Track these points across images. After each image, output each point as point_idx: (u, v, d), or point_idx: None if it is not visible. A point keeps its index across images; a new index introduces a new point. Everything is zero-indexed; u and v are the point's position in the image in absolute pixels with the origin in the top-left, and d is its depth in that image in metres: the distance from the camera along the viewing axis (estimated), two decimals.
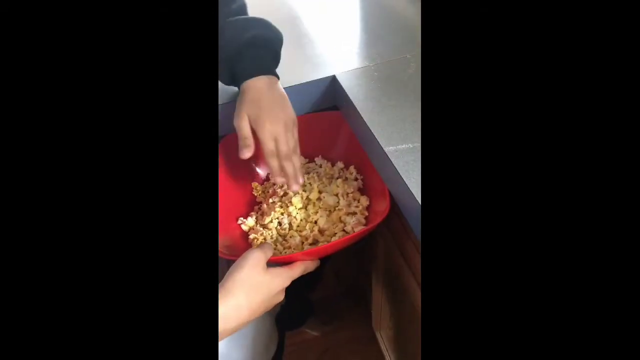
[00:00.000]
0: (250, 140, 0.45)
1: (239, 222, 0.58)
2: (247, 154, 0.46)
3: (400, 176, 0.42)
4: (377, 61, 0.58)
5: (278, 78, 0.49)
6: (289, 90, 0.54)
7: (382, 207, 0.50)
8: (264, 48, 0.47)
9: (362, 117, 0.49)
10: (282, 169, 0.47)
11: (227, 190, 0.56)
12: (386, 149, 0.45)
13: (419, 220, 0.41)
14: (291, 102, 0.49)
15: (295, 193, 0.58)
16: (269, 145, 0.45)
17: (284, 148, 0.46)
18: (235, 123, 0.46)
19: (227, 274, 0.42)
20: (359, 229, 0.52)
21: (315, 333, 1.01)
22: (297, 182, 0.48)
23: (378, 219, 0.47)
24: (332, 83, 0.57)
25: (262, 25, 0.47)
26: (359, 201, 0.56)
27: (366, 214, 0.55)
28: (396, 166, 0.43)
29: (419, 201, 0.39)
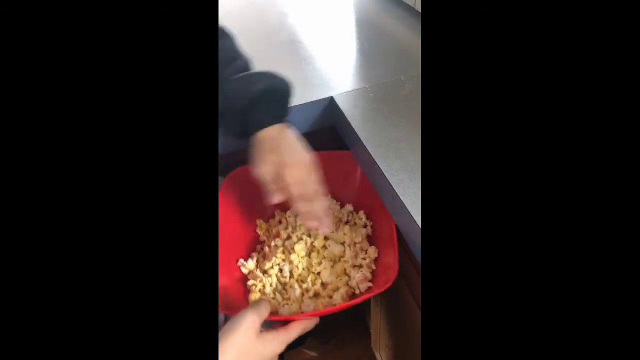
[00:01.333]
0: (277, 186, 0.45)
1: (239, 264, 0.55)
2: (277, 198, 0.45)
3: (397, 194, 0.43)
4: (372, 83, 0.60)
5: (290, 124, 0.49)
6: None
7: (390, 259, 0.48)
8: (275, 99, 0.47)
9: (358, 137, 0.50)
10: (310, 213, 0.46)
11: (229, 228, 0.54)
12: (382, 167, 0.46)
13: (416, 238, 0.41)
14: (291, 122, 0.49)
15: (299, 239, 0.55)
16: (296, 188, 0.44)
17: (310, 190, 0.45)
18: (258, 172, 0.46)
19: (218, 335, 0.39)
20: (363, 286, 0.49)
21: (314, 353, 1.00)
22: (328, 224, 0.47)
23: (384, 283, 0.45)
24: (330, 104, 0.58)
25: (271, 77, 0.47)
26: (366, 252, 0.53)
27: (373, 267, 0.52)
28: (392, 184, 0.44)
29: (415, 219, 0.40)
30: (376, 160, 0.47)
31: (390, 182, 0.44)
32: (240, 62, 0.50)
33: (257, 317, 0.40)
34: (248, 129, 0.47)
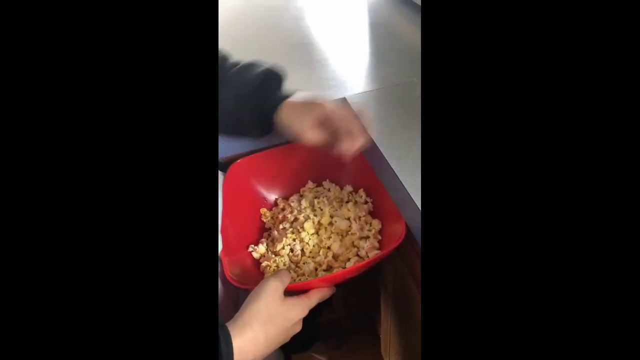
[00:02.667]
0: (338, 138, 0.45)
1: (250, 249, 0.57)
2: (353, 146, 0.45)
3: (410, 196, 0.42)
4: (385, 84, 0.59)
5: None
6: None
7: (396, 229, 0.49)
8: (277, 77, 0.49)
9: (371, 138, 0.50)
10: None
11: (235, 217, 0.55)
12: (395, 168, 0.45)
13: None
14: None
15: (307, 218, 0.57)
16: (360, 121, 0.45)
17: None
18: (309, 140, 0.45)
19: (243, 304, 0.40)
20: (373, 253, 0.51)
21: (322, 358, 0.99)
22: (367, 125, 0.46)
23: (393, 243, 0.46)
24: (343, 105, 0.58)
25: (260, 64, 0.49)
26: (371, 224, 0.56)
27: (379, 237, 0.54)
28: (405, 185, 0.43)
29: None
30: (389, 161, 0.46)
31: (403, 183, 0.43)
32: (228, 62, 0.51)
33: (280, 283, 0.41)
34: (266, 113, 0.47)
